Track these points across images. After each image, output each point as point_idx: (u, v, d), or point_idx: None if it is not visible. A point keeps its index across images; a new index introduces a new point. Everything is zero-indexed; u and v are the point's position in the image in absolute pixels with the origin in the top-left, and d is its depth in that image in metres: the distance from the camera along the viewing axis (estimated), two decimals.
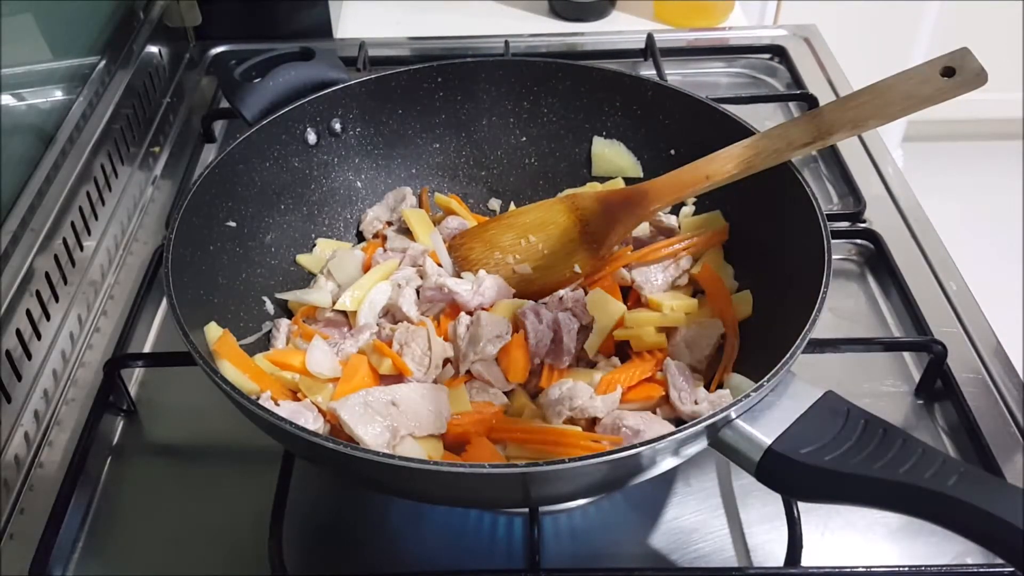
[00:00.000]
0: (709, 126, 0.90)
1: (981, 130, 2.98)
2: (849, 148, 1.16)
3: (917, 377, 0.89)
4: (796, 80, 1.30)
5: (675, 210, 0.96)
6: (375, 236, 0.98)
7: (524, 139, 1.02)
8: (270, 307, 0.90)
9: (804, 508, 0.75)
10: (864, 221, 1.06)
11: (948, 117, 2.09)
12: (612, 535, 0.78)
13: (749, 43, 1.41)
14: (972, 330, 0.93)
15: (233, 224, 0.88)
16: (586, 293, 0.86)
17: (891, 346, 0.92)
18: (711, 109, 0.91)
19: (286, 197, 0.95)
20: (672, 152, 0.96)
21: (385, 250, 0.95)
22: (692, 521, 0.78)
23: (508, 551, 0.77)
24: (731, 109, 0.90)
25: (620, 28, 1.49)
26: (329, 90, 0.94)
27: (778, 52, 1.37)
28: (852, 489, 0.61)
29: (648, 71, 1.32)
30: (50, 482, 0.81)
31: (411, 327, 0.81)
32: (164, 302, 0.99)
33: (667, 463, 0.67)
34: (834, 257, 0.74)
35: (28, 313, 0.88)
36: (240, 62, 0.92)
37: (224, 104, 1.26)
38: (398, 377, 0.79)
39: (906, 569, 0.73)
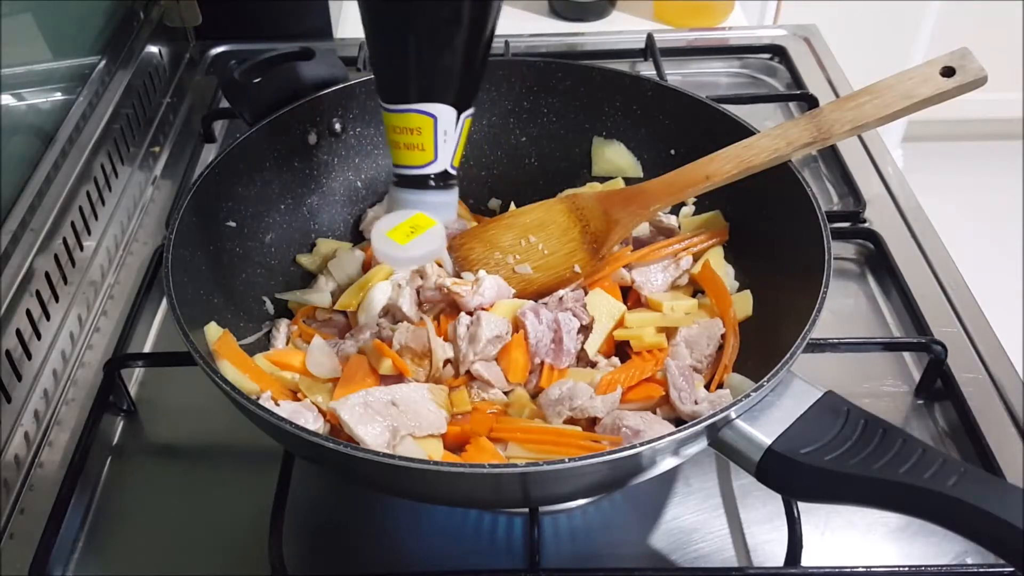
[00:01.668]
0: (709, 126, 0.90)
1: (981, 130, 2.98)
2: (849, 148, 1.16)
3: (917, 377, 0.89)
4: (796, 80, 1.30)
5: (675, 210, 0.96)
6: None
7: (524, 139, 1.02)
8: (270, 307, 0.90)
9: (804, 508, 0.75)
10: (864, 221, 1.06)
11: (948, 117, 2.09)
12: (612, 535, 0.78)
13: (749, 43, 1.41)
14: (972, 330, 0.93)
15: (233, 224, 0.88)
16: (586, 293, 0.86)
17: (891, 346, 0.92)
18: (711, 109, 0.91)
19: (286, 197, 0.95)
20: (672, 152, 0.96)
21: None
22: (692, 521, 0.78)
23: (508, 551, 0.77)
24: (731, 109, 0.90)
25: (620, 28, 1.49)
26: (329, 90, 0.94)
27: (778, 52, 1.37)
28: (852, 489, 0.61)
29: (648, 71, 1.32)
30: (50, 482, 0.81)
31: (411, 327, 0.82)
32: (164, 302, 0.99)
33: (667, 463, 0.67)
34: (834, 257, 0.74)
35: (28, 313, 0.88)
36: (240, 62, 0.91)
37: (224, 104, 1.26)
38: (398, 377, 0.79)
39: (906, 569, 0.73)
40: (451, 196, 0.77)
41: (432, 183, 0.75)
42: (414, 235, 0.73)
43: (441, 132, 0.73)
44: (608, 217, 0.86)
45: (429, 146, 0.73)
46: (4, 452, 0.82)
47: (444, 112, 0.72)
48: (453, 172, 0.76)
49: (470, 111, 0.76)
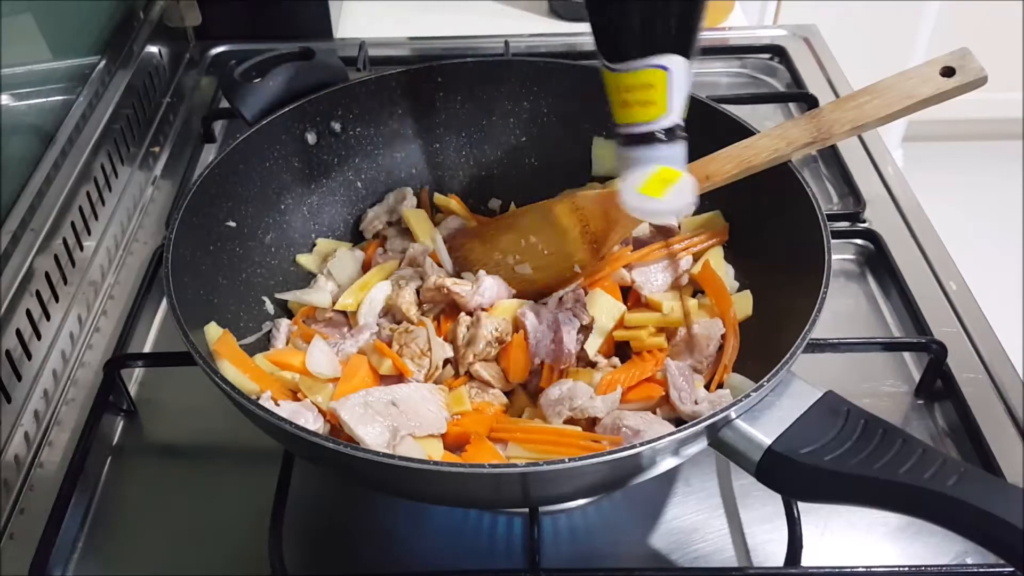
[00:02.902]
0: (709, 126, 0.90)
1: (981, 130, 2.98)
2: (849, 148, 1.16)
3: (917, 377, 0.89)
4: (796, 80, 1.30)
5: None
6: (375, 236, 0.98)
7: (524, 139, 1.02)
8: (270, 307, 0.90)
9: (804, 508, 0.75)
10: (864, 221, 1.06)
11: (948, 117, 2.08)
12: (612, 535, 0.78)
13: (749, 43, 1.41)
14: (972, 330, 0.93)
15: (233, 224, 0.88)
16: (586, 293, 0.86)
17: (891, 346, 0.92)
18: (711, 109, 0.91)
19: (286, 197, 0.95)
20: None
21: (385, 250, 0.96)
22: (692, 521, 0.78)
23: (508, 551, 0.77)
24: (731, 109, 0.90)
25: None
26: (329, 90, 0.94)
27: (778, 52, 1.37)
28: (852, 489, 0.61)
29: None
30: (50, 482, 0.81)
31: (411, 327, 0.82)
32: (164, 302, 0.99)
33: (667, 463, 0.67)
34: (834, 257, 0.74)
35: (28, 313, 0.88)
36: (240, 62, 0.91)
37: (224, 104, 1.26)
38: (398, 377, 0.79)
39: (906, 569, 0.73)
40: (682, 149, 0.71)
41: (662, 137, 0.70)
42: (667, 186, 0.69)
43: (675, 83, 0.68)
44: (608, 217, 0.86)
45: (662, 100, 0.68)
46: (4, 452, 0.82)
47: (676, 63, 0.67)
48: (682, 124, 0.71)
49: (694, 61, 0.70)
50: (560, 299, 0.85)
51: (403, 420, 0.72)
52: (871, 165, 1.16)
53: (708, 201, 0.92)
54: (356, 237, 1.00)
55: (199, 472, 0.84)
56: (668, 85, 0.67)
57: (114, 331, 0.96)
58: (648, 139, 0.69)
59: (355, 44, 1.35)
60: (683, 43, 0.67)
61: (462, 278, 0.88)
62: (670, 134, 0.69)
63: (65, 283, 0.96)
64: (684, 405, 0.76)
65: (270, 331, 0.88)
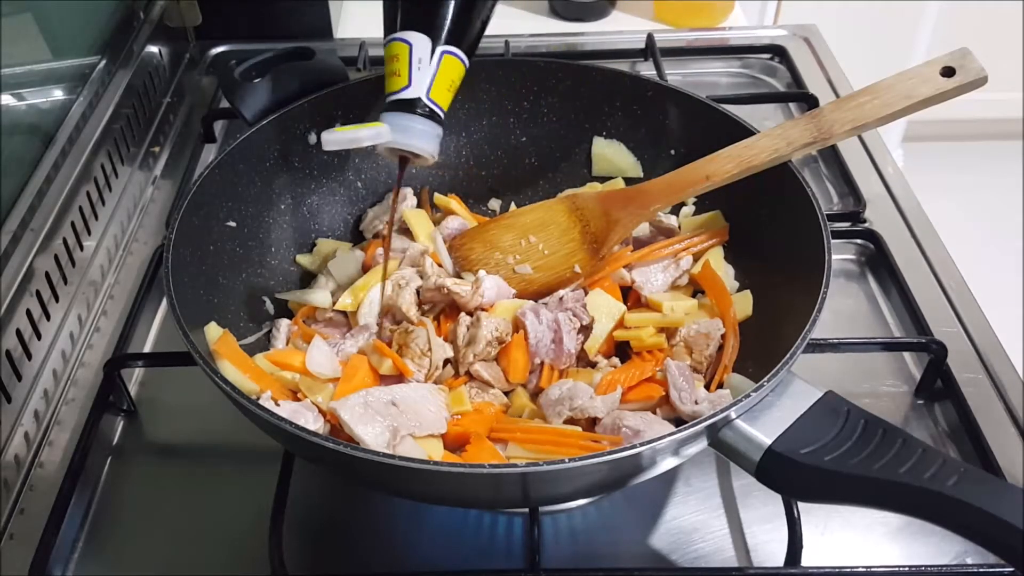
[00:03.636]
0: (709, 126, 0.90)
1: (981, 130, 2.98)
2: (849, 148, 1.16)
3: (917, 377, 0.89)
4: (796, 80, 1.30)
5: (675, 210, 0.96)
6: (375, 236, 0.98)
7: (524, 139, 1.02)
8: (270, 307, 0.90)
9: (804, 508, 0.75)
10: (864, 221, 1.06)
11: (948, 117, 2.08)
12: (612, 535, 0.78)
13: (749, 43, 1.41)
14: (972, 330, 0.93)
15: (233, 224, 0.88)
16: (586, 293, 0.86)
17: (891, 346, 0.92)
18: (711, 109, 0.91)
19: (286, 197, 0.95)
20: (672, 152, 0.96)
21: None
22: (692, 521, 0.78)
23: (508, 551, 0.77)
24: (731, 109, 0.90)
25: (620, 28, 1.49)
26: (329, 90, 0.94)
27: (778, 52, 1.37)
28: (852, 489, 0.61)
29: (648, 71, 1.32)
30: (50, 482, 0.81)
31: (411, 327, 0.82)
32: (164, 302, 0.99)
33: (667, 463, 0.67)
34: (834, 257, 0.74)
35: (28, 313, 0.88)
36: (240, 62, 0.91)
37: (224, 104, 1.26)
38: (398, 377, 0.79)
39: (906, 569, 0.73)
40: (424, 124, 0.79)
41: (407, 108, 0.79)
42: (362, 128, 0.78)
43: (415, 59, 0.78)
44: (608, 217, 0.86)
45: (404, 72, 0.78)
46: (4, 452, 0.82)
47: (418, 40, 0.78)
48: (432, 106, 0.79)
49: (451, 48, 0.79)
50: (560, 299, 0.85)
51: (403, 420, 0.72)
52: (871, 165, 1.16)
53: (708, 201, 0.92)
54: (356, 237, 1.00)
55: (199, 472, 0.84)
56: (409, 59, 0.78)
57: (114, 331, 0.96)
58: (393, 106, 0.79)
59: (355, 44, 1.35)
60: (428, 24, 0.78)
61: (462, 278, 0.88)
62: (411, 105, 0.79)
63: (65, 283, 0.96)
64: (684, 405, 0.76)
65: (270, 331, 0.88)
